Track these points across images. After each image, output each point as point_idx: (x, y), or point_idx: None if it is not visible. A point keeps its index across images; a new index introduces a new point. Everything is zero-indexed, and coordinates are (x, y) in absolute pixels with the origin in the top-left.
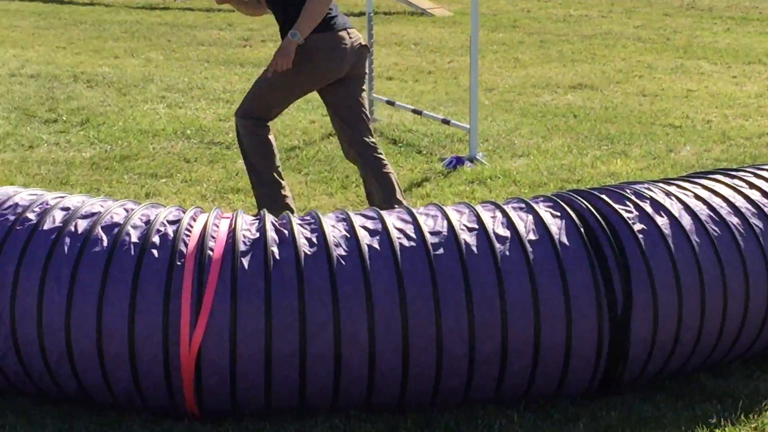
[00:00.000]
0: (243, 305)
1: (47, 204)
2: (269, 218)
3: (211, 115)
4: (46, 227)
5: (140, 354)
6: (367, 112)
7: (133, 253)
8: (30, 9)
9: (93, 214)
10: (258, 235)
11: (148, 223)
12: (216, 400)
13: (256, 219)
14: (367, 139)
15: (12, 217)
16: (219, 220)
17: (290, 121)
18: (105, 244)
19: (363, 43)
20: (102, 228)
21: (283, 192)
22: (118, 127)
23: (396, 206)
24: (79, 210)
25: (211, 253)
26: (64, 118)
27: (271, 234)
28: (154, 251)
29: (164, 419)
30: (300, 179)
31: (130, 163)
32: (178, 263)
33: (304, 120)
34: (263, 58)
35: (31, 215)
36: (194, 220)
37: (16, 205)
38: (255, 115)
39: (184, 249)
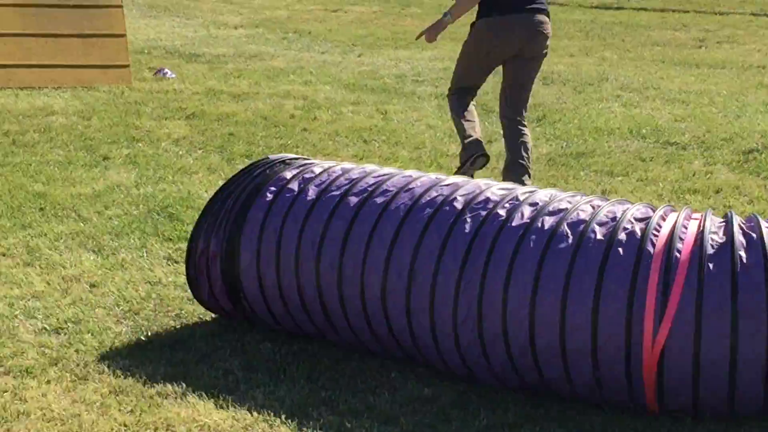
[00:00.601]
0: (708, 308)
1: (517, 199)
2: (737, 221)
3: (666, 115)
4: (514, 223)
5: (602, 349)
6: (527, 96)
7: (598, 250)
8: None
9: (560, 211)
10: (725, 238)
11: (614, 219)
12: (676, 399)
13: (724, 221)
14: (513, 117)
15: (483, 213)
16: (688, 220)
17: (748, 123)
18: (570, 240)
19: (540, 29)
20: (568, 224)
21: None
22: (574, 124)
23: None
24: (546, 206)
25: (678, 254)
26: None
27: (739, 237)
28: (620, 249)
29: (623, 414)
30: (759, 183)
31: (586, 160)
32: (644, 262)
33: (762, 122)
34: (719, 59)
35: (501, 211)
36: (663, 219)
37: (488, 200)
38: (454, 88)
39: (651, 248)
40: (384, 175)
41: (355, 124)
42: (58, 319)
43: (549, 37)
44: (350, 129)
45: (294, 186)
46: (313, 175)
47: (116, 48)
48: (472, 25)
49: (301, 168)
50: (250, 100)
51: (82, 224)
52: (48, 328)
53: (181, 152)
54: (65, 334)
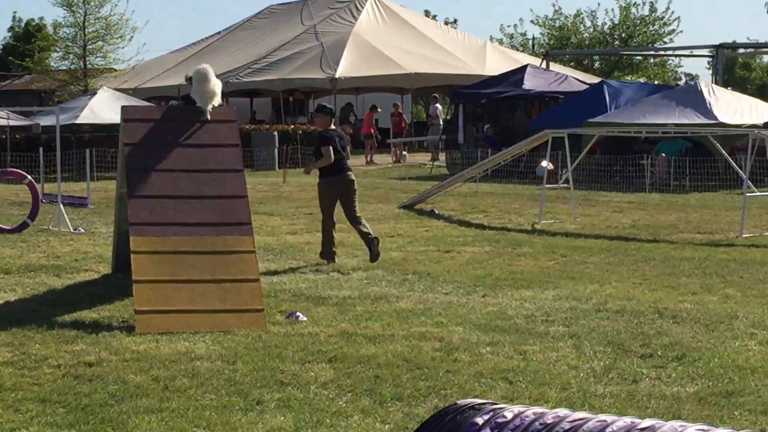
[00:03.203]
0: None
1: None
2: None
3: None
4: None
5: None
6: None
7: None
8: (597, 246)
9: None
10: None
11: None
12: None
13: None
14: (354, 220)
15: None
16: None
17: None
18: None
19: (349, 180)
20: None
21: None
22: (715, 363)
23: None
24: None
25: None
26: (659, 353)
27: None
28: None
29: None
30: None
31: (736, 399)
32: None
33: None
34: None
35: None
36: None
37: None
38: (325, 219)
39: None
40: (579, 419)
41: (497, 365)
42: None
43: (354, 181)
44: (493, 370)
45: (487, 431)
46: (505, 420)
47: (250, 293)
48: (318, 184)
49: (492, 413)
50: (387, 343)
51: None
52: None
53: (331, 395)
54: None
